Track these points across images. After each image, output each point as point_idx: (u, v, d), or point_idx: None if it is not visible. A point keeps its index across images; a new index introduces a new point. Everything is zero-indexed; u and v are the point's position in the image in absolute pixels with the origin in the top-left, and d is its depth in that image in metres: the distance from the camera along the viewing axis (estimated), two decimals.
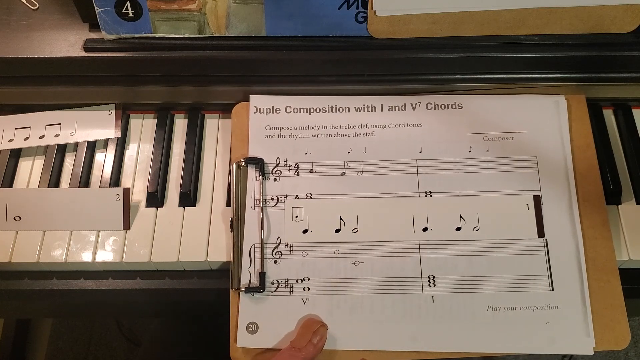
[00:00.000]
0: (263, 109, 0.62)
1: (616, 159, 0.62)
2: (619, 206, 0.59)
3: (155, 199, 0.60)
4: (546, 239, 0.56)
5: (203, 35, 0.57)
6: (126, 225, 0.59)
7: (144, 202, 0.60)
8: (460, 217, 0.57)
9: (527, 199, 0.58)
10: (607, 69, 0.60)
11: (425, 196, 0.58)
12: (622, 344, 0.53)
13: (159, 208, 0.60)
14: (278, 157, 0.60)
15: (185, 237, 0.58)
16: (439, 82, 0.61)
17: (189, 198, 0.60)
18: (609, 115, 0.65)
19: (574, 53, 0.58)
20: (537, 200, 0.58)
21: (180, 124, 0.65)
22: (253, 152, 0.60)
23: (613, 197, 0.60)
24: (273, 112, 0.62)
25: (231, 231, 0.57)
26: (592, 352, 0.53)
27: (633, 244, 0.57)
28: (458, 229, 0.57)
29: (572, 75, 0.60)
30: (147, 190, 0.60)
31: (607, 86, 0.62)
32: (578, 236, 0.56)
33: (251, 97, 0.62)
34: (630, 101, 0.65)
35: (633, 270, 0.58)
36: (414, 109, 0.62)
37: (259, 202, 0.58)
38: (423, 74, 0.60)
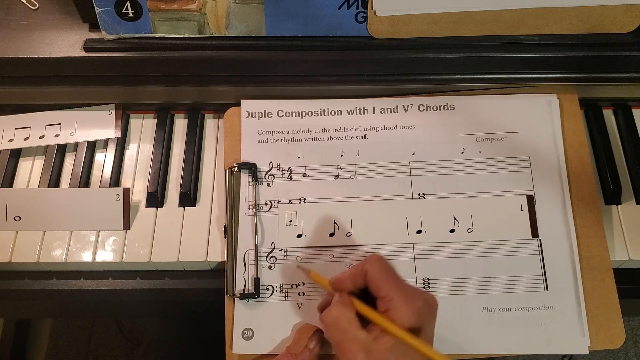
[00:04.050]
0: (255, 113, 0.62)
1: (616, 159, 0.62)
2: (619, 206, 0.59)
3: (155, 199, 0.60)
4: (540, 239, 0.56)
5: (203, 35, 0.57)
6: (126, 225, 0.59)
7: (144, 202, 0.60)
8: (454, 218, 0.57)
9: (520, 199, 0.58)
10: (607, 69, 0.59)
11: (419, 198, 0.58)
12: (617, 343, 0.53)
13: (159, 208, 0.60)
14: (271, 162, 0.59)
15: (185, 237, 0.58)
16: (439, 82, 0.61)
17: (189, 198, 0.60)
18: (609, 115, 0.65)
19: (574, 53, 0.58)
20: (531, 200, 0.58)
21: (180, 124, 0.65)
22: (246, 157, 0.60)
23: (613, 197, 0.60)
24: (265, 117, 0.61)
25: (225, 237, 0.57)
26: (587, 352, 0.53)
27: (633, 244, 0.57)
28: (452, 230, 0.57)
29: (572, 75, 0.60)
30: (147, 190, 0.60)
31: (607, 86, 0.62)
32: (572, 236, 0.56)
33: (243, 101, 0.62)
34: (630, 101, 0.65)
35: (633, 270, 0.58)
36: (406, 111, 0.62)
37: (253, 208, 0.58)
38: (423, 74, 0.60)
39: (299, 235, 0.57)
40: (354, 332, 0.44)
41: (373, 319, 0.45)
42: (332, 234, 0.57)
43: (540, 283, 0.55)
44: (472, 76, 0.60)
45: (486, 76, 0.60)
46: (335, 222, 0.57)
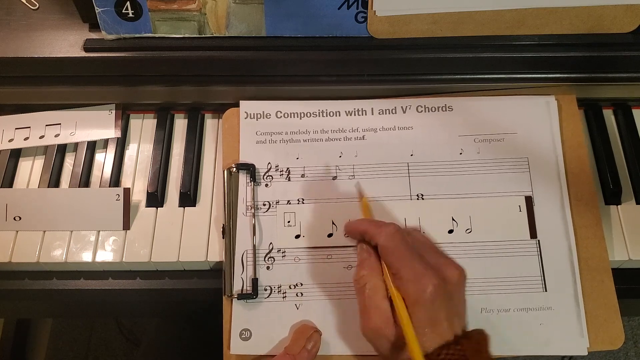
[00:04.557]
0: (253, 114, 0.62)
1: (616, 159, 0.62)
2: (619, 206, 0.59)
3: (155, 199, 0.60)
4: (539, 240, 0.56)
5: (203, 35, 0.57)
6: (126, 225, 0.59)
7: (144, 202, 0.60)
8: (453, 219, 0.57)
9: (518, 200, 0.57)
10: (607, 69, 0.59)
11: (417, 199, 0.58)
12: (616, 344, 0.53)
13: (159, 208, 0.60)
14: (269, 163, 0.59)
15: (185, 237, 0.58)
16: (439, 82, 0.61)
17: (189, 198, 0.60)
18: (609, 115, 0.65)
19: (574, 53, 0.58)
20: (529, 201, 0.57)
21: (180, 124, 0.65)
22: (244, 158, 0.60)
23: (613, 197, 0.60)
24: (263, 118, 0.61)
25: (223, 237, 0.57)
26: (586, 353, 0.53)
27: (633, 244, 0.57)
28: (450, 231, 0.57)
29: (572, 75, 0.60)
30: (147, 190, 0.60)
31: (607, 86, 0.62)
32: (570, 236, 0.56)
33: (241, 102, 0.62)
34: (630, 101, 0.65)
35: (633, 270, 0.58)
36: (404, 112, 0.61)
37: (251, 208, 0.58)
38: (423, 74, 0.60)
39: (297, 236, 0.57)
40: (377, 301, 0.46)
41: (390, 292, 0.46)
42: (330, 235, 0.57)
43: (539, 284, 0.55)
44: (472, 76, 0.60)
45: (486, 76, 0.60)
46: (333, 223, 0.57)
